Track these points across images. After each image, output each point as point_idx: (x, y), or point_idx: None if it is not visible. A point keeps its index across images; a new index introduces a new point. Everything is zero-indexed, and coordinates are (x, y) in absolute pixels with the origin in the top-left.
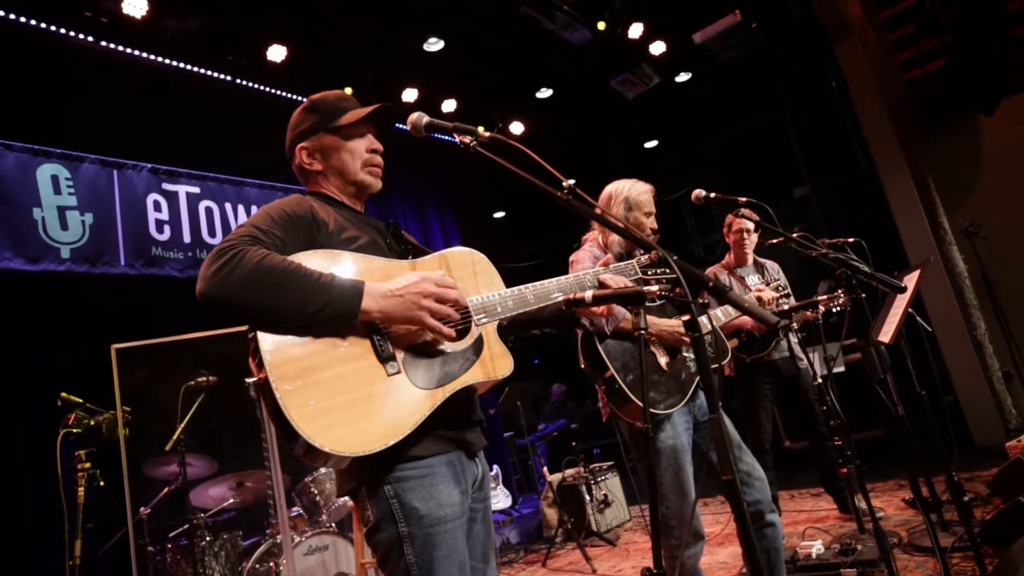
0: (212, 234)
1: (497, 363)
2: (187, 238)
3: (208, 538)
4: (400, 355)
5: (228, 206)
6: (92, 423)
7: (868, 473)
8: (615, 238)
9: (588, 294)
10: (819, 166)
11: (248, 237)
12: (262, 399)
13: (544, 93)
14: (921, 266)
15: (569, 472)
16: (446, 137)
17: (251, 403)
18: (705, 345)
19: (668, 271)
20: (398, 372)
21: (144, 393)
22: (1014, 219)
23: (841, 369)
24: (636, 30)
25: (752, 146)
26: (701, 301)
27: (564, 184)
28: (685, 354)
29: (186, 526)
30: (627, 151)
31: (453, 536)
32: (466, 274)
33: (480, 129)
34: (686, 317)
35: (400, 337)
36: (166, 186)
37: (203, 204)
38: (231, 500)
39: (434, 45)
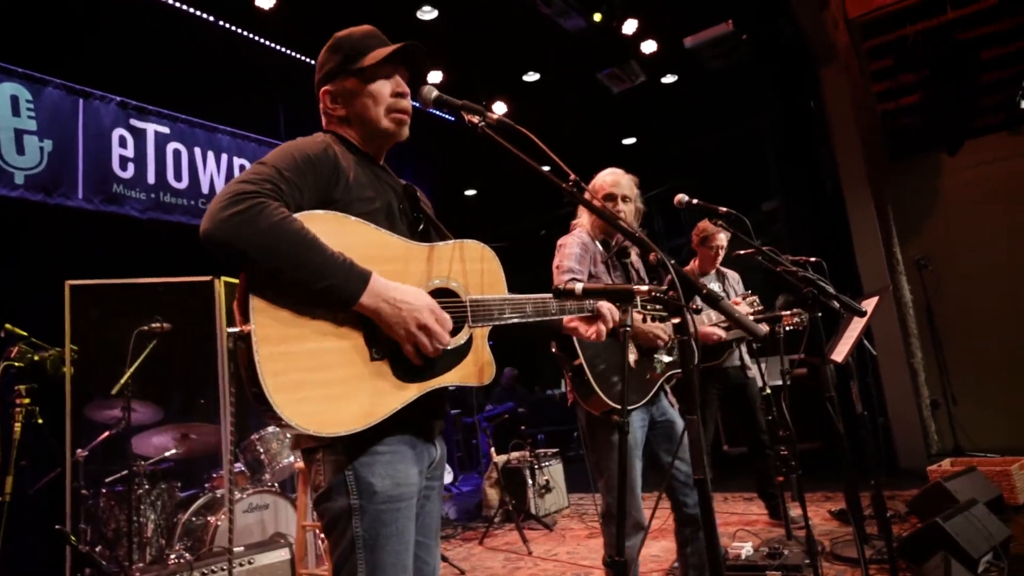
0: (178, 178)
1: (477, 370)
2: (151, 179)
3: (146, 486)
4: (386, 342)
5: (198, 150)
6: (36, 358)
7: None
8: (590, 222)
9: (579, 286)
10: (790, 183)
11: (271, 186)
12: (239, 352)
13: (531, 76)
14: (879, 293)
15: (515, 455)
16: (437, 112)
17: (204, 355)
18: (693, 348)
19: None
20: (382, 359)
21: (95, 334)
22: (962, 257)
23: (778, 383)
24: (630, 26)
25: (728, 155)
26: (694, 306)
27: (571, 177)
28: (655, 355)
29: (124, 472)
30: (605, 144)
31: (404, 515)
32: (473, 268)
33: (489, 113)
34: (676, 320)
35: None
36: (134, 122)
37: (172, 146)
38: (173, 451)
39: (428, 14)
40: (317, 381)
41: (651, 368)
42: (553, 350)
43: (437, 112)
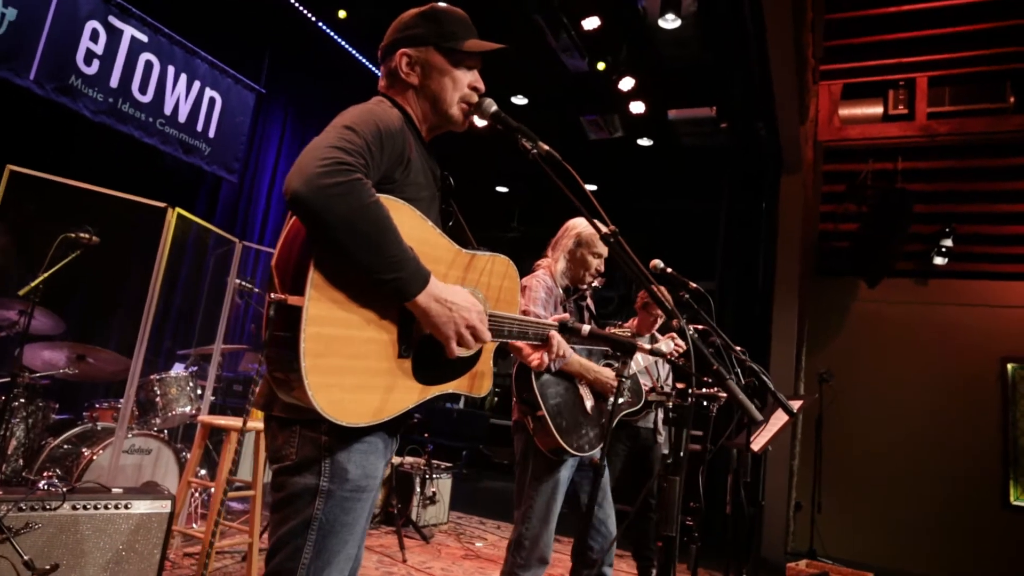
0: (143, 91)
1: (482, 381)
2: (114, 82)
3: (22, 400)
4: (415, 342)
5: (171, 69)
6: None
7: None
8: (559, 267)
9: (585, 329)
10: (727, 270)
11: (363, 159)
12: (276, 319)
13: (519, 99)
14: (806, 398)
15: (409, 459)
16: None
17: (128, 280)
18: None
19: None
20: (408, 357)
21: (21, 228)
22: (859, 379)
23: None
24: (627, 83)
25: (680, 226)
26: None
27: (610, 228)
28: (610, 400)
29: (6, 379)
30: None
31: (363, 506)
32: (497, 283)
33: (540, 143)
34: (681, 386)
35: (427, 328)
36: (113, 20)
37: (145, 56)
38: (64, 370)
39: None
40: (350, 369)
41: (605, 413)
42: (514, 397)
43: None
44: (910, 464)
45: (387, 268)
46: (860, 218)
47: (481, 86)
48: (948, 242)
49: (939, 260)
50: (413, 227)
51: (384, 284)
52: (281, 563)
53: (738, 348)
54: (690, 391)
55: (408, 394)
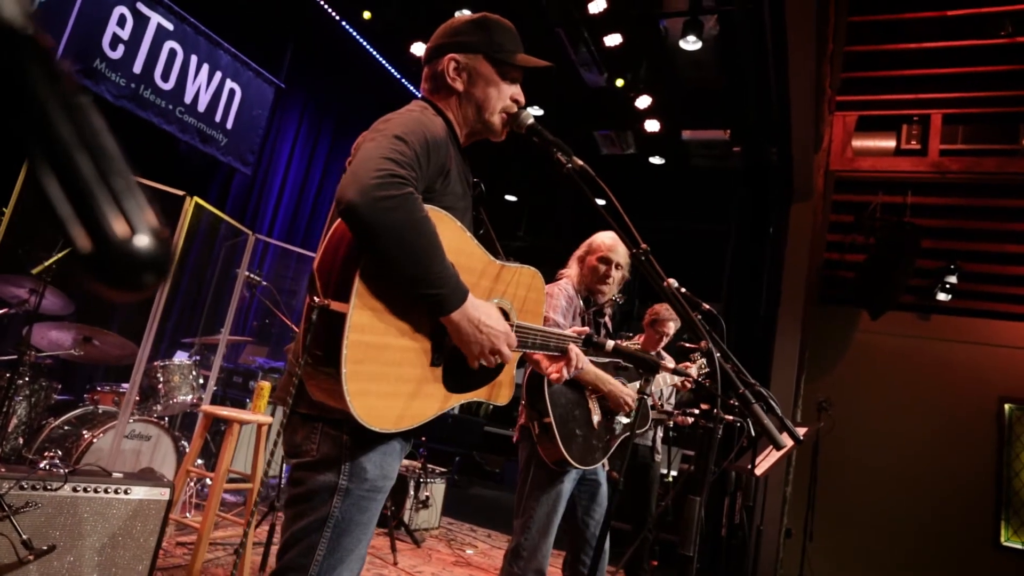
0: (165, 78)
1: (502, 390)
2: (137, 68)
3: (26, 379)
4: (446, 351)
5: (194, 58)
6: None
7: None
8: (584, 281)
9: (610, 344)
10: (733, 294)
11: (414, 173)
12: (318, 322)
13: (534, 110)
14: (811, 426)
15: (405, 462)
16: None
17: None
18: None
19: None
20: (439, 365)
21: (37, 208)
22: (858, 409)
23: (675, 473)
24: (644, 101)
25: (687, 246)
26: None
27: (642, 247)
28: (617, 417)
29: (12, 357)
30: (576, 197)
31: (377, 506)
32: (521, 294)
33: (575, 158)
34: (705, 406)
35: (453, 341)
36: (141, 6)
37: (170, 44)
38: (70, 351)
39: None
40: (385, 376)
41: (610, 429)
42: (523, 401)
43: None
44: (902, 498)
45: (430, 284)
46: (867, 249)
47: (522, 99)
48: (952, 279)
49: (942, 296)
50: (452, 238)
51: (425, 298)
52: (294, 559)
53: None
54: (716, 412)
55: (434, 401)
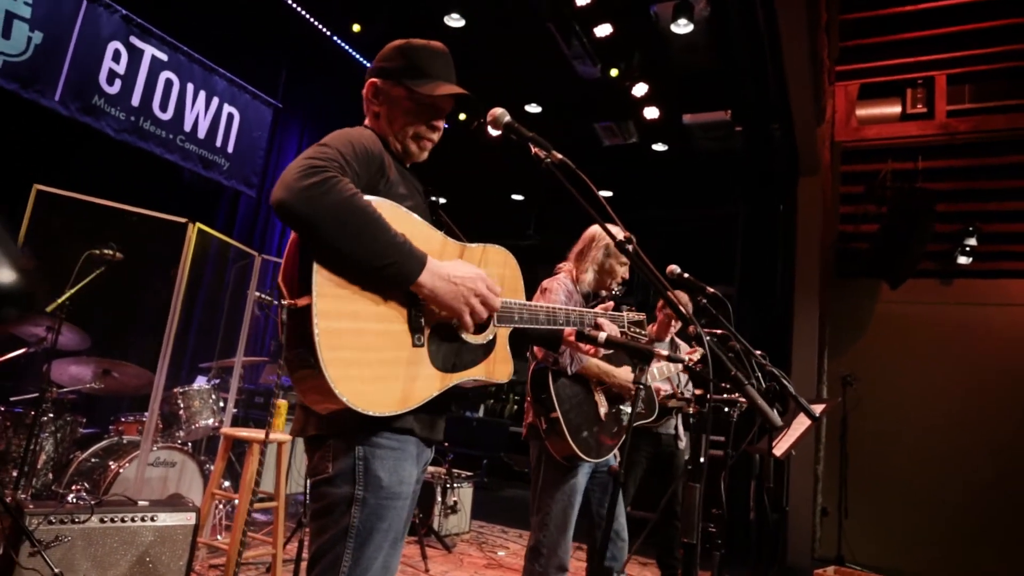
0: (163, 108)
1: (500, 367)
2: (135, 101)
3: (50, 415)
4: (427, 330)
5: (190, 87)
6: None
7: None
8: (587, 277)
9: (602, 335)
10: (746, 275)
11: (338, 164)
12: (289, 324)
13: (532, 108)
14: (829, 402)
15: (431, 469)
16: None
17: (151, 295)
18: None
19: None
20: (422, 346)
21: (48, 245)
22: (883, 382)
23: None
24: (640, 89)
25: (697, 232)
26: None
27: (625, 234)
28: (621, 407)
29: (34, 395)
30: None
31: (399, 513)
32: (495, 273)
33: (554, 152)
34: (699, 391)
35: (431, 313)
36: (134, 40)
37: (165, 74)
38: (90, 384)
39: (456, 22)
40: (366, 361)
41: (618, 420)
42: (528, 397)
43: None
44: (938, 468)
45: (380, 255)
46: (880, 219)
47: (440, 125)
48: (972, 241)
49: (963, 259)
50: (398, 220)
51: (382, 271)
52: (322, 572)
53: (758, 352)
54: (708, 397)
55: (430, 382)
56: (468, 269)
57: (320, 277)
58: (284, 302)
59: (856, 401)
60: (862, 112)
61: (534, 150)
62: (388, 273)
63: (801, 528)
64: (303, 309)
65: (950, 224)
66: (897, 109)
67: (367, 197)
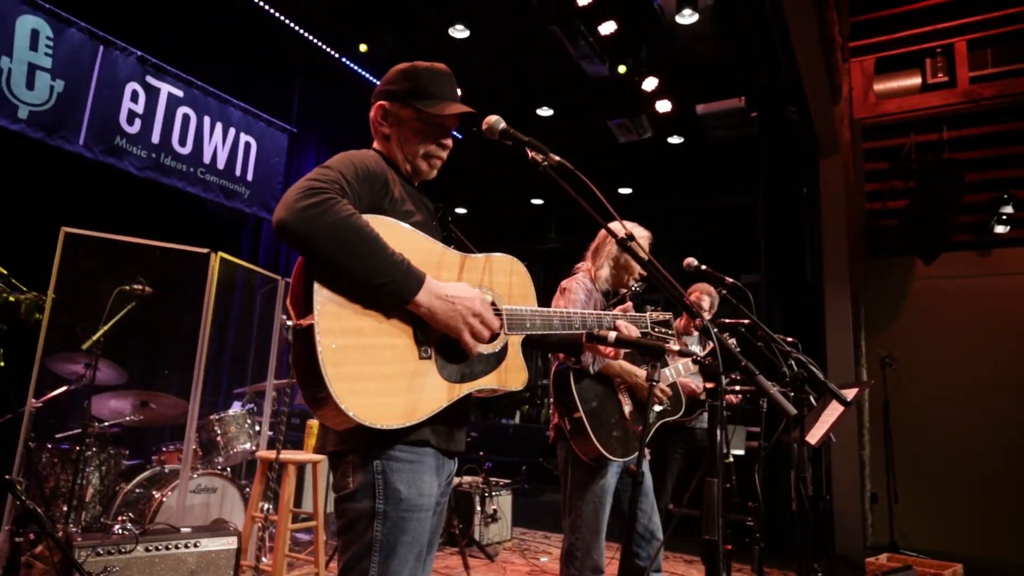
0: (183, 143)
1: (512, 375)
2: (155, 138)
3: (94, 449)
4: (435, 343)
5: (207, 119)
6: (11, 299)
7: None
8: (603, 273)
9: (611, 335)
10: (773, 262)
11: (338, 185)
12: (295, 344)
13: (545, 111)
14: (862, 385)
15: (467, 479)
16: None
17: (181, 326)
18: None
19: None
20: (429, 358)
21: (78, 285)
22: (923, 361)
23: (740, 452)
24: (650, 83)
25: (719, 222)
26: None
27: (625, 231)
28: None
29: (77, 431)
30: (601, 190)
31: (421, 525)
32: (503, 281)
33: (551, 155)
34: (710, 384)
35: (437, 328)
36: (150, 79)
37: (182, 110)
38: (130, 417)
39: (460, 32)
40: (371, 375)
41: (643, 419)
42: (551, 398)
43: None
44: (988, 446)
45: (377, 275)
46: (908, 194)
47: (448, 143)
48: (1008, 208)
49: (1000, 228)
50: (397, 236)
51: (379, 290)
52: None
53: (789, 340)
54: (720, 389)
55: (438, 393)
56: (467, 290)
57: (320, 296)
58: (289, 323)
59: (897, 382)
60: (880, 87)
61: (531, 154)
62: (385, 292)
63: (849, 515)
64: (307, 328)
65: (982, 194)
66: (917, 80)
67: (366, 216)
